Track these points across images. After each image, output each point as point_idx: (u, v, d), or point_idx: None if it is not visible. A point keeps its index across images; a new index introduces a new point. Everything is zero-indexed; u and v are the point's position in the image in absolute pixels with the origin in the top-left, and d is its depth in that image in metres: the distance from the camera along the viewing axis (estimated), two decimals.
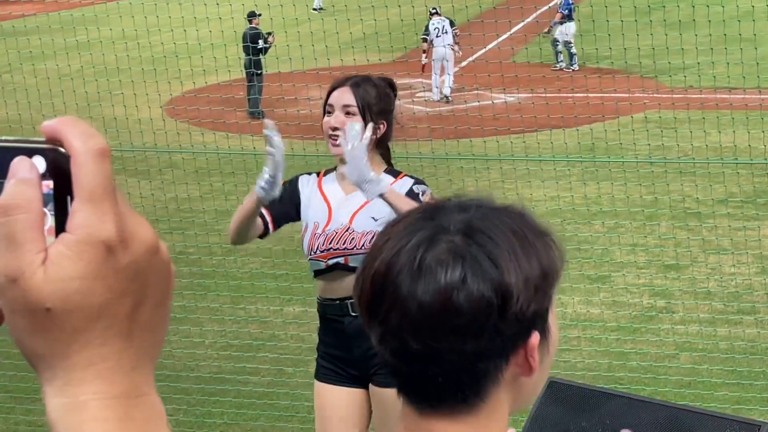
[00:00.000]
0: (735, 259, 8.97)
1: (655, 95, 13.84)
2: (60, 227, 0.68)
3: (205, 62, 12.39)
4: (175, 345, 7.68)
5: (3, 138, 0.70)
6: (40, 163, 0.69)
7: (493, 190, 10.03)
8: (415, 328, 1.26)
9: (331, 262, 4.00)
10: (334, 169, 4.15)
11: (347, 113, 3.93)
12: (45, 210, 0.69)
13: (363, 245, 3.95)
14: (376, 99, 3.97)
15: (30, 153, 0.69)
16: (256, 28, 17.15)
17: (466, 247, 1.26)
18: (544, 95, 13.84)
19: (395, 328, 1.27)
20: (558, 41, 19.80)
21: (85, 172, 0.68)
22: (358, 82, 4.00)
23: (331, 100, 3.98)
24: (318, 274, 4.08)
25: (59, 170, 0.69)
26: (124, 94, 11.03)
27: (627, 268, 8.98)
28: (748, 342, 7.57)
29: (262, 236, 4.15)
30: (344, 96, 3.96)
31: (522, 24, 21.32)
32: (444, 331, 1.25)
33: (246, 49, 16.61)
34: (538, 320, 1.29)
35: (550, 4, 22.15)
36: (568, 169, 11.11)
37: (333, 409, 4.14)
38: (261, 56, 16.76)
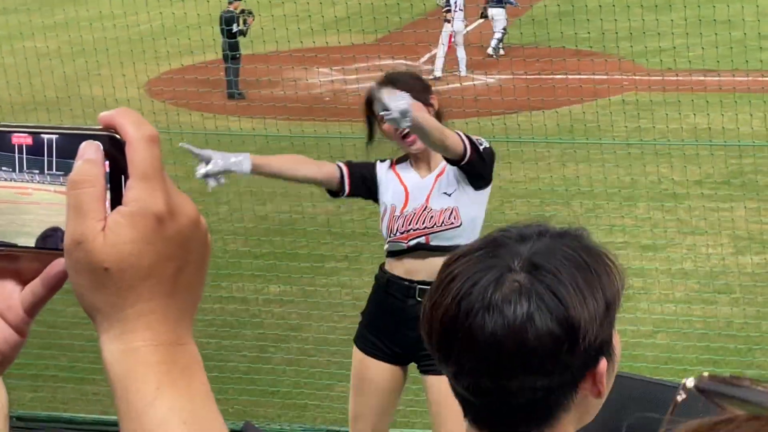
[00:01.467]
0: (710, 240, 9.09)
1: (632, 77, 13.92)
2: (115, 201, 0.79)
3: (184, 42, 12.38)
4: None
5: (69, 126, 0.82)
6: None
7: None
8: (487, 367, 1.28)
9: (412, 242, 4.05)
10: (405, 158, 4.19)
11: None
12: None
13: (442, 222, 4.01)
14: (419, 85, 4.07)
15: (91, 139, 0.80)
16: (232, 12, 17.07)
17: (531, 285, 1.28)
18: (524, 77, 13.89)
19: (468, 367, 1.30)
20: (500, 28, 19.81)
21: (138, 155, 0.79)
22: (394, 80, 4.02)
23: None
24: (397, 254, 4.10)
25: (115, 153, 0.79)
26: (104, 74, 11.02)
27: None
28: (723, 320, 7.68)
29: (335, 193, 4.16)
30: (383, 97, 3.89)
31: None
32: (516, 370, 1.28)
33: (222, 31, 16.58)
34: (605, 347, 1.32)
35: None
36: (547, 151, 11.18)
37: (375, 383, 4.19)
38: (238, 38, 16.71)
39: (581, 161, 10.26)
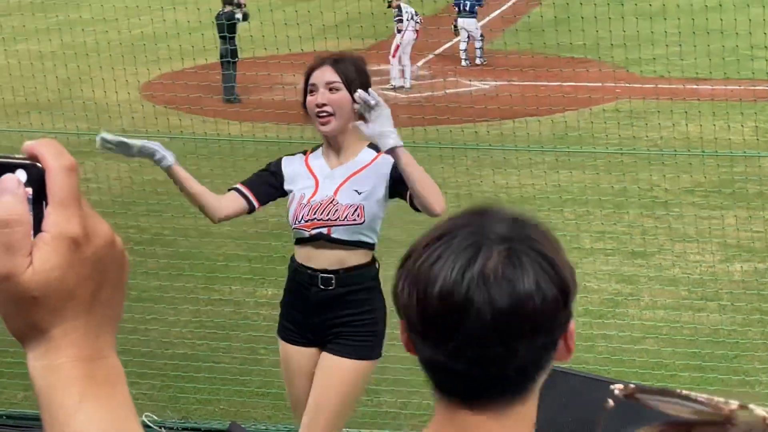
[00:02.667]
0: (700, 247, 9.16)
1: (626, 85, 14.03)
2: (37, 225, 0.85)
3: (182, 46, 12.44)
4: (150, 325, 7.79)
5: None
6: (22, 175, 0.86)
7: (467, 177, 10.20)
8: (496, 333, 1.35)
9: (314, 231, 4.13)
10: (320, 146, 4.28)
11: (331, 89, 4.06)
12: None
13: (345, 217, 4.09)
14: (356, 74, 4.09)
15: (14, 167, 0.86)
16: (225, 13, 17.06)
17: (525, 254, 1.37)
18: (519, 84, 14.01)
19: (475, 337, 1.36)
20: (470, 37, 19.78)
21: (57, 183, 0.85)
22: (336, 60, 4.12)
23: (313, 79, 4.10)
24: (300, 242, 4.22)
25: (37, 181, 0.85)
26: (101, 76, 11.08)
27: (595, 255, 9.15)
28: (710, 327, 7.76)
29: (249, 212, 4.29)
30: (326, 74, 4.08)
31: (498, 11, 21.49)
32: (524, 331, 1.36)
33: (222, 36, 16.61)
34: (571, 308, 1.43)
35: None
36: (541, 157, 11.28)
37: (298, 367, 4.32)
38: (235, 35, 16.68)
39: (574, 168, 10.36)
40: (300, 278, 4.23)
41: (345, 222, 4.09)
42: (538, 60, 15.04)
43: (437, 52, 19.43)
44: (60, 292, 0.85)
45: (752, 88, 12.16)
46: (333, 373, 4.21)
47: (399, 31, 18.62)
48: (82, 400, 0.85)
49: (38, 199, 0.85)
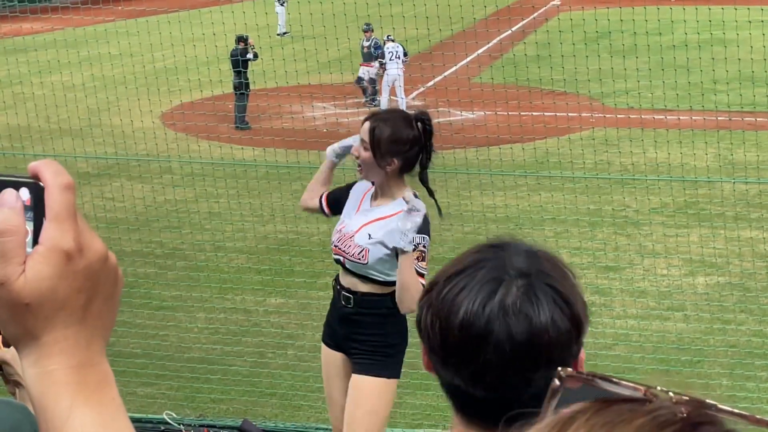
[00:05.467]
0: (666, 262, 9.24)
1: (600, 115, 14.12)
2: (36, 238, 0.84)
3: (198, 78, 12.54)
4: (168, 330, 7.85)
5: (3, 174, 0.87)
6: (25, 192, 0.85)
7: (456, 198, 10.28)
8: (513, 362, 1.37)
9: (336, 257, 4.22)
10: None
11: (364, 148, 4.06)
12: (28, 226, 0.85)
13: (353, 254, 4.12)
14: (387, 140, 4.03)
15: (18, 185, 0.85)
16: (238, 49, 17.15)
17: (542, 290, 1.38)
18: (503, 114, 14.08)
19: (493, 365, 1.37)
20: (374, 80, 19.75)
21: (53, 200, 0.84)
22: (378, 120, 4.10)
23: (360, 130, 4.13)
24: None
25: (38, 198, 0.85)
26: (125, 105, 11.18)
27: (572, 269, 9.21)
28: (675, 335, 7.83)
29: (325, 214, 4.43)
30: (364, 131, 4.07)
31: (488, 45, 21.60)
32: (539, 362, 1.38)
33: (235, 70, 16.68)
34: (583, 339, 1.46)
35: (513, 28, 22.51)
36: (523, 180, 11.36)
37: (333, 369, 4.41)
38: (246, 70, 16.79)
39: (553, 190, 10.44)
40: (335, 292, 4.33)
41: (352, 258, 4.13)
42: (520, 92, 15.14)
43: (429, 85, 19.51)
44: (51, 302, 0.82)
45: (714, 118, 12.28)
46: (358, 390, 4.28)
47: (383, 67, 18.76)
48: (73, 404, 0.83)
49: (39, 214, 0.84)
